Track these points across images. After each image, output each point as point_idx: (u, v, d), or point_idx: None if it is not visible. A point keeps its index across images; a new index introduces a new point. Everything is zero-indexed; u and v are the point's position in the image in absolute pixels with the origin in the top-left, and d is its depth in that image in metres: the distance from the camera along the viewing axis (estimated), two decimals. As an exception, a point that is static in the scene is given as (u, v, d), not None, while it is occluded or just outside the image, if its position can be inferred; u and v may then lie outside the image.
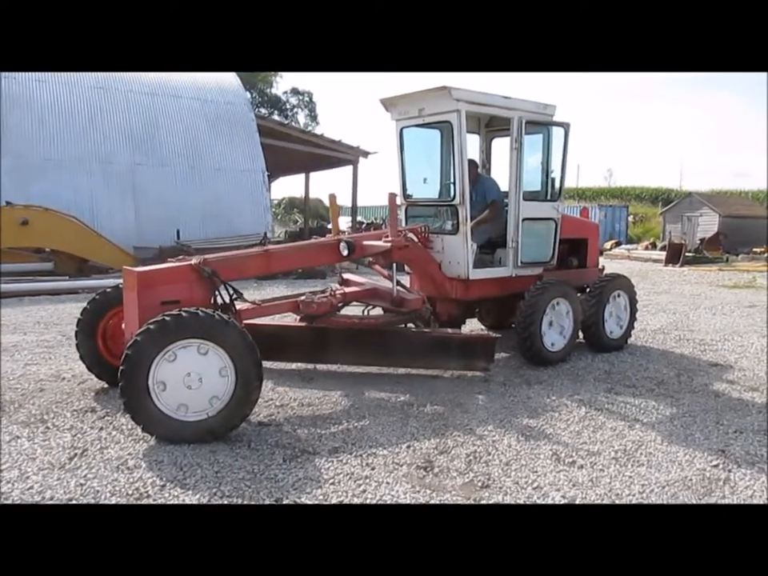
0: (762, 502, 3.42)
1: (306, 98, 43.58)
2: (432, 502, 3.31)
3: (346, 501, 3.29)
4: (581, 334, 6.65)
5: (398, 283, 5.43)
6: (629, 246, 26.95)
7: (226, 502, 3.24)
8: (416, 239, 6.01)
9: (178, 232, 13.10)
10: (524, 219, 6.10)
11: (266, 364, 5.87)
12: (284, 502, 3.25)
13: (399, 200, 6.49)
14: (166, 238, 13.10)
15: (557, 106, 6.24)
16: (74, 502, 3.19)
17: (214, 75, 15.91)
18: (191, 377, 3.89)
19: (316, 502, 3.26)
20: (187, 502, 3.23)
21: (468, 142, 6.63)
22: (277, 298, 5.30)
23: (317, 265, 6.89)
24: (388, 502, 3.29)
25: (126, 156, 14.09)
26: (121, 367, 3.81)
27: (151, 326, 3.85)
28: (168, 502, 3.23)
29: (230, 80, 16.49)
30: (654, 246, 25.07)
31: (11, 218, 10.88)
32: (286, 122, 27.52)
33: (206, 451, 3.83)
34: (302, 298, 5.02)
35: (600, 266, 7.40)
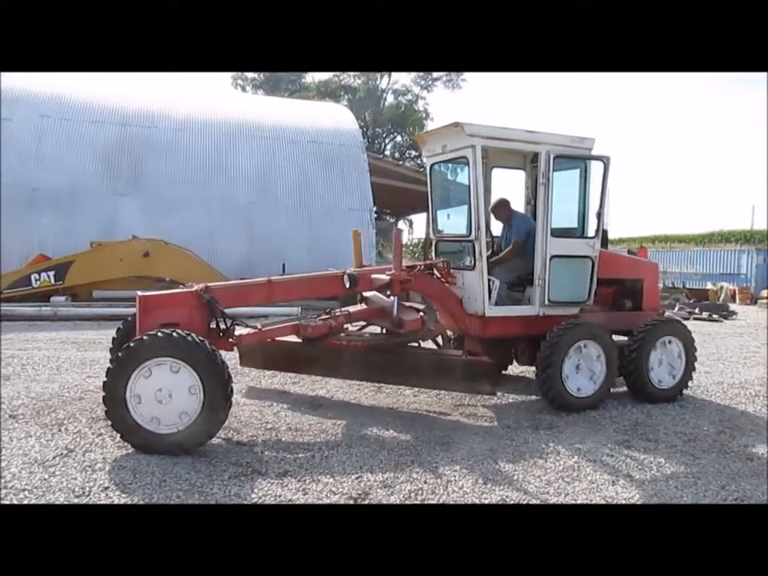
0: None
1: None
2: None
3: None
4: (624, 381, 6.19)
5: (403, 305, 5.46)
6: (789, 296, 23.87)
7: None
8: (438, 274, 6.01)
9: (283, 266, 13.98)
10: (553, 256, 5.84)
11: (287, 388, 6.22)
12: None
13: (431, 235, 6.54)
14: (273, 271, 14.00)
15: (595, 139, 5.97)
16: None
17: (333, 119, 16.97)
18: (162, 392, 4.24)
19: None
20: (118, 502, 3.52)
21: (498, 177, 6.61)
22: (278, 321, 5.55)
23: (320, 296, 7.07)
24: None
25: (244, 196, 15.42)
26: (104, 380, 4.26)
27: (132, 344, 4.27)
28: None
29: (347, 123, 17.50)
30: (821, 298, 21.95)
31: (135, 250, 12.41)
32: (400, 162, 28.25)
33: (169, 462, 4.12)
34: (302, 321, 5.23)
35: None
